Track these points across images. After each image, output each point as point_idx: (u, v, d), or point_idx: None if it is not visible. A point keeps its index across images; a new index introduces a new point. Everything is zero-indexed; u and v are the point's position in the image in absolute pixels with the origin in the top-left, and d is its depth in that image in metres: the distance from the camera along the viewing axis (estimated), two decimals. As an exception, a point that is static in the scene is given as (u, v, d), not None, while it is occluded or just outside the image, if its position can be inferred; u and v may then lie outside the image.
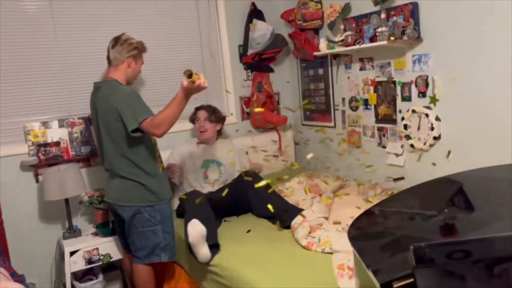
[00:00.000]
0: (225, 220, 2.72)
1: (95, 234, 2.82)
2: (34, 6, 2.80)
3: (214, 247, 2.30)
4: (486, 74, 2.25)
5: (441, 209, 1.60)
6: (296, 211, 2.53)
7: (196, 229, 2.23)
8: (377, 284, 1.22)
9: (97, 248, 2.71)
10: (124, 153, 2.29)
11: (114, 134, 2.28)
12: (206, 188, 2.98)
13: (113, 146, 2.31)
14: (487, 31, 2.20)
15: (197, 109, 3.14)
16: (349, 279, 1.76)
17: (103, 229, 2.79)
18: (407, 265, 1.11)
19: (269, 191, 2.70)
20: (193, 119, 3.16)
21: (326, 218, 2.42)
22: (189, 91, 2.08)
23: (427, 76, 2.55)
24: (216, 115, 3.11)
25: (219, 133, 3.21)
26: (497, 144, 2.24)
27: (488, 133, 2.28)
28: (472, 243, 1.10)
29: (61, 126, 2.91)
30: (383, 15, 2.61)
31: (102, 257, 2.73)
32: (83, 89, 2.92)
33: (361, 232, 1.60)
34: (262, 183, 2.51)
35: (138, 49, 2.44)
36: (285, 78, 3.80)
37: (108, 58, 2.40)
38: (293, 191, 2.83)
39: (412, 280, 1.11)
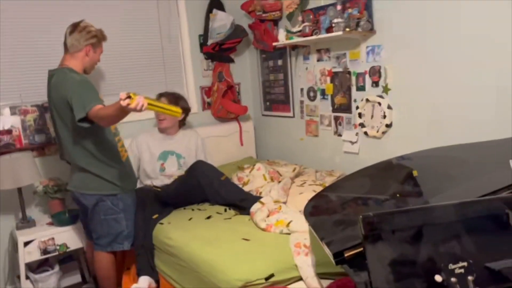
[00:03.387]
0: (184, 208, 2.73)
1: (51, 224, 2.75)
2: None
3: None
4: (433, 65, 2.39)
5: (390, 188, 1.71)
6: (254, 199, 2.58)
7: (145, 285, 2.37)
8: (330, 254, 1.30)
9: (53, 238, 2.65)
10: (80, 143, 2.25)
11: (68, 123, 2.22)
12: (163, 181, 2.93)
13: (69, 136, 2.26)
14: (435, 24, 2.34)
15: (160, 95, 3.00)
16: (305, 256, 1.84)
17: (59, 218, 2.73)
18: (358, 237, 1.19)
19: (222, 178, 2.73)
20: None
21: (285, 203, 2.49)
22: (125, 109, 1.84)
23: (380, 67, 2.68)
24: (177, 105, 2.92)
25: (182, 124, 3.12)
26: (441, 131, 2.40)
27: (435, 120, 2.43)
28: (415, 211, 1.19)
29: (13, 113, 2.80)
30: (339, 7, 2.71)
31: (58, 247, 2.67)
32: (37, 75, 2.83)
33: (316, 210, 1.68)
34: None
35: (98, 38, 2.37)
36: (246, 68, 3.85)
37: (65, 44, 2.33)
38: (252, 178, 2.88)
39: (362, 249, 1.19)
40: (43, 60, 2.84)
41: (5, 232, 2.82)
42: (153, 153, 2.97)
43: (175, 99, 2.99)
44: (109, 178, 2.29)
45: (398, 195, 1.60)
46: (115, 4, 3.15)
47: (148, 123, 3.29)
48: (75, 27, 2.32)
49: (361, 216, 1.14)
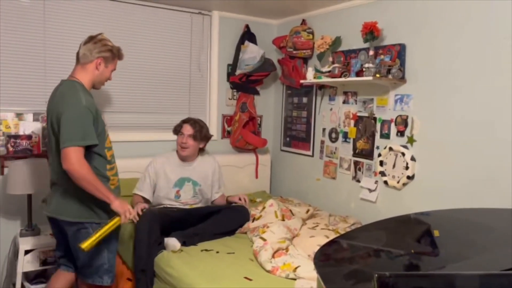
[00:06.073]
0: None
1: (55, 235, 2.70)
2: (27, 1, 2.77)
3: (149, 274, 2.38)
4: (461, 120, 2.32)
5: (408, 245, 1.61)
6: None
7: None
8: (337, 311, 1.20)
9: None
10: None
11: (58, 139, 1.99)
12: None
13: (58, 153, 1.96)
14: (467, 79, 2.28)
15: (184, 122, 2.91)
16: (310, 306, 1.73)
17: (64, 230, 2.68)
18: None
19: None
20: (177, 130, 2.90)
21: (290, 240, 2.39)
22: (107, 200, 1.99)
23: (407, 116, 2.61)
24: (201, 134, 2.89)
25: (201, 150, 3.00)
26: (466, 190, 2.29)
27: (459, 177, 2.33)
28: (434, 278, 1.10)
29: (35, 120, 2.83)
30: (371, 52, 2.68)
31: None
32: (65, 85, 2.88)
33: (328, 258, 1.59)
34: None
35: (112, 53, 2.17)
36: (270, 102, 3.84)
37: (77, 55, 2.14)
38: (265, 214, 2.79)
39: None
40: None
41: (8, 237, 2.79)
42: (169, 179, 2.85)
43: (199, 127, 2.89)
44: (92, 205, 2.04)
45: (412, 252, 1.51)
46: (149, 25, 3.21)
47: (169, 145, 3.17)
48: (91, 38, 2.16)
49: (376, 275, 1.06)
